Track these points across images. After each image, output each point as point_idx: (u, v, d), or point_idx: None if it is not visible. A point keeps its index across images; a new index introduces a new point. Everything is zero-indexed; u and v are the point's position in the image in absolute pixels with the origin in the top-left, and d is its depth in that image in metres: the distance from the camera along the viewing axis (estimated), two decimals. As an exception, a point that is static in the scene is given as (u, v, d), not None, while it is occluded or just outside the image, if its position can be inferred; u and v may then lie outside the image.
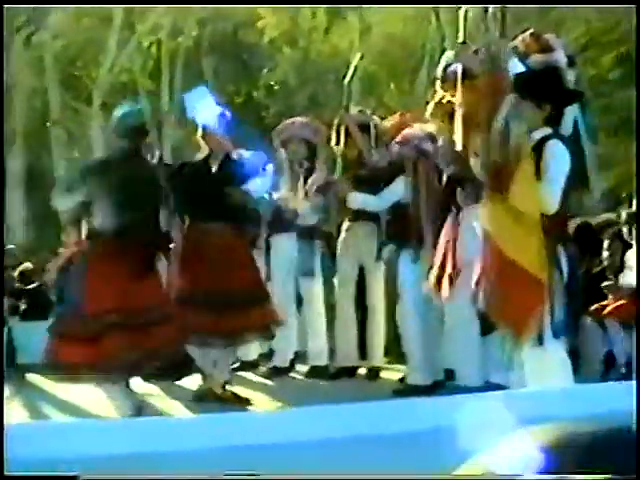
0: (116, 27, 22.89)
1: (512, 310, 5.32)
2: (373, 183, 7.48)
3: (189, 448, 3.78)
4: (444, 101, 6.53)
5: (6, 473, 4.04)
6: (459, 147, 6.14)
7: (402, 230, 7.10)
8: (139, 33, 23.80)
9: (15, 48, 22.48)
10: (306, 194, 7.98)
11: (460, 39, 6.27)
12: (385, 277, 7.70)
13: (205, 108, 7.05)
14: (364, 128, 7.82)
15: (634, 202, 9.12)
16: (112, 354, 6.11)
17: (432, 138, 7.01)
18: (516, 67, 5.58)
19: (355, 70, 7.92)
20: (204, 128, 7.06)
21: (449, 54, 6.81)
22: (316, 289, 8.19)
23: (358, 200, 7.57)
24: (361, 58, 8.07)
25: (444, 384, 6.85)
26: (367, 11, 23.40)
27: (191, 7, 24.04)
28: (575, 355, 5.90)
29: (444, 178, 6.70)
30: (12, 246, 13.69)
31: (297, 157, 8.16)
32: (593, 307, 7.63)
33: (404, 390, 6.88)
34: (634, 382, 4.89)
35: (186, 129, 20.16)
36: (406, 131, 7.23)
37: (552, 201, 5.31)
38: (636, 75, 16.48)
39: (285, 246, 8.17)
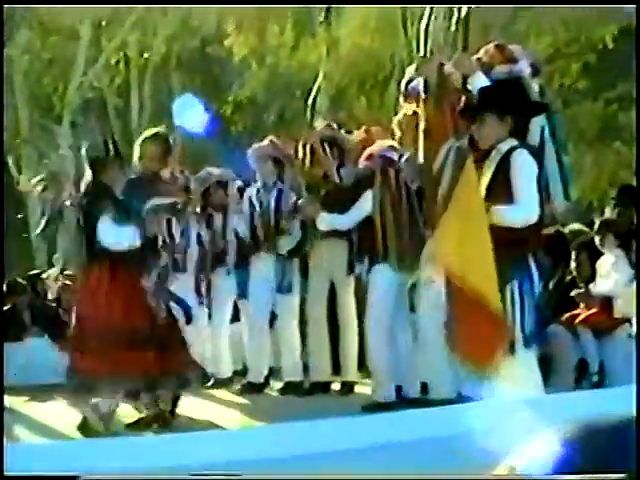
0: (84, 44, 22.81)
1: (472, 348, 5.34)
2: (341, 201, 7.48)
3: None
4: (409, 113, 6.57)
5: (6, 473, 4.05)
6: (420, 160, 6.18)
7: (372, 244, 7.12)
8: (107, 50, 23.74)
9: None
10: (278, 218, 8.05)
11: (421, 52, 6.32)
12: (356, 292, 7.70)
13: (193, 115, 7.09)
14: (331, 143, 7.84)
15: (606, 210, 9.17)
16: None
17: (396, 149, 7.07)
18: (480, 80, 5.60)
19: (318, 90, 7.94)
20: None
21: (412, 68, 6.85)
22: (291, 305, 8.21)
23: (326, 220, 7.57)
24: (324, 77, 8.08)
25: (416, 398, 6.83)
26: (335, 24, 23.41)
27: (158, 23, 24.05)
28: (546, 363, 5.93)
29: (412, 192, 6.75)
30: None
31: (268, 177, 8.22)
32: (565, 315, 7.67)
33: (373, 405, 6.87)
34: (634, 385, 4.93)
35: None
36: (371, 148, 7.27)
37: (530, 212, 5.35)
38: (636, 75, 16.55)
39: (264, 264, 8.18)
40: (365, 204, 7.23)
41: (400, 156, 7.02)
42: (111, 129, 22.60)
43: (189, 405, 7.33)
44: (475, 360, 5.35)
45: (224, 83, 25.66)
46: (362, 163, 7.38)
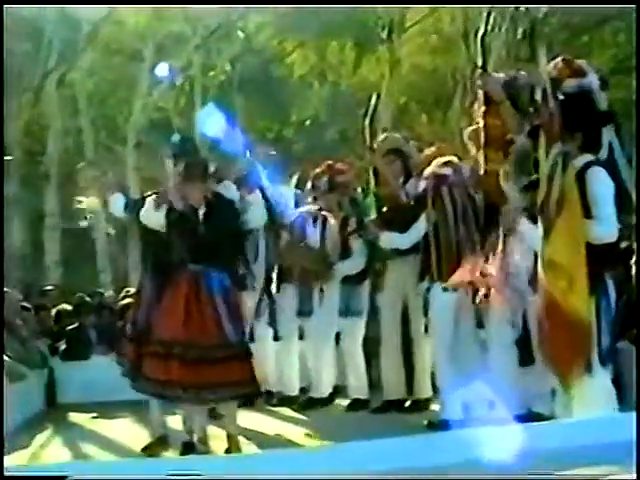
0: (147, 65, 23.03)
1: (558, 355, 5.28)
2: (402, 220, 7.47)
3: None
4: (480, 126, 6.53)
5: (6, 474, 4.09)
6: (481, 171, 6.14)
7: (429, 263, 7.11)
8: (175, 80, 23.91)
9: (48, 89, 22.67)
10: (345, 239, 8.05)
11: (479, 65, 6.29)
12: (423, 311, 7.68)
13: (215, 124, 7.17)
14: (397, 156, 7.84)
15: None
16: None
17: (452, 164, 7.04)
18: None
19: (375, 110, 7.93)
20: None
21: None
22: (358, 325, 8.26)
23: (388, 239, 7.58)
24: (378, 97, 8.07)
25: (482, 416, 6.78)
26: (396, 43, 23.42)
27: (221, 44, 24.24)
28: (617, 382, 5.83)
29: (477, 204, 6.71)
30: (50, 287, 13.74)
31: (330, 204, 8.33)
32: (634, 332, 7.53)
33: (439, 423, 6.87)
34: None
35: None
36: (428, 168, 7.25)
37: (611, 230, 5.28)
38: (636, 75, 16.31)
39: (333, 290, 8.25)
40: (421, 224, 7.23)
41: (455, 171, 7.00)
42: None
43: (255, 421, 7.35)
44: (562, 372, 5.28)
45: (286, 102, 25.77)
46: (421, 183, 7.38)
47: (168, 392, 6.28)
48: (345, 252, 8.22)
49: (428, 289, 7.15)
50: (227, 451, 6.34)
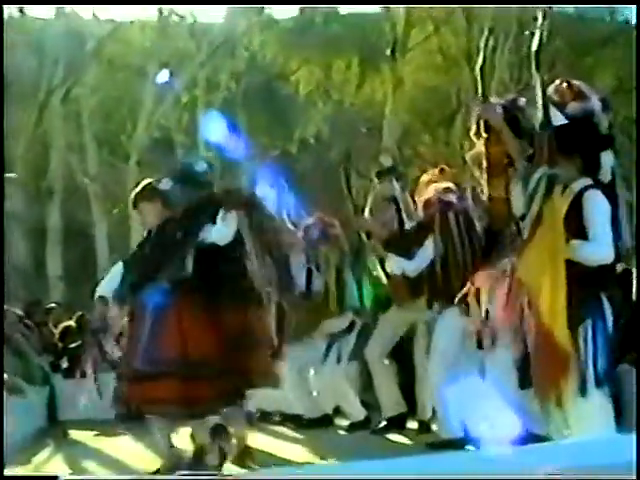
0: (151, 82, 23.10)
1: (540, 376, 5.32)
2: (405, 247, 7.45)
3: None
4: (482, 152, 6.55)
5: (6, 473, 4.12)
6: (484, 197, 6.16)
7: (437, 286, 7.13)
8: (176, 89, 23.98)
9: (52, 104, 22.76)
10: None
11: (480, 93, 6.30)
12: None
13: (217, 131, 7.23)
14: (393, 202, 7.92)
15: None
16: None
17: (453, 191, 7.08)
18: (557, 118, 5.56)
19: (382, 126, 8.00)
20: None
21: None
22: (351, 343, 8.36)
23: (395, 264, 7.53)
24: (390, 114, 8.18)
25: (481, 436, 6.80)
26: (399, 62, 23.51)
27: (225, 60, 24.32)
28: (615, 403, 5.85)
29: (478, 230, 6.74)
30: (53, 304, 13.75)
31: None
32: (634, 355, 7.55)
33: (438, 443, 6.91)
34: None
35: (225, 180, 20.35)
36: (427, 194, 7.27)
37: (607, 252, 5.30)
38: (636, 76, 16.34)
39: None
40: (428, 251, 7.21)
41: (459, 198, 7.04)
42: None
43: (260, 441, 7.38)
44: (543, 396, 5.32)
45: (290, 120, 25.84)
46: (421, 211, 7.40)
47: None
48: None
49: (439, 313, 7.14)
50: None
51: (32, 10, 22.50)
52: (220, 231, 6.31)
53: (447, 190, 7.17)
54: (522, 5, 18.96)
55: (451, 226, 7.06)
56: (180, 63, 23.88)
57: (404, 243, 7.48)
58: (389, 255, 7.58)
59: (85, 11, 22.88)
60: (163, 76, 21.74)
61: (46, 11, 22.46)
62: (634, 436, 4.05)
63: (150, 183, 6.57)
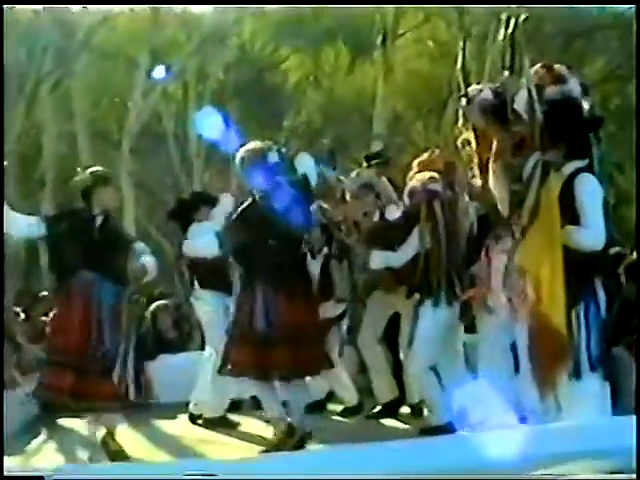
0: (142, 71, 23.02)
1: (537, 360, 5.32)
2: (390, 239, 7.39)
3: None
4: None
5: (6, 474, 4.10)
6: (478, 184, 6.15)
7: (422, 275, 7.07)
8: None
9: (42, 94, 22.68)
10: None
11: (462, 92, 6.30)
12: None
13: (212, 126, 7.24)
14: (369, 188, 7.93)
15: None
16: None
17: (437, 180, 7.06)
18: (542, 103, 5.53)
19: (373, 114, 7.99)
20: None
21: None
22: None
23: (379, 259, 7.43)
24: (380, 102, 8.18)
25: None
26: (391, 49, 23.42)
27: (216, 51, 24.23)
28: (611, 387, 5.84)
29: (470, 216, 6.71)
30: (45, 293, 13.70)
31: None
32: (628, 338, 7.54)
33: (430, 429, 6.92)
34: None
35: (214, 170, 20.28)
36: (411, 184, 7.23)
37: (599, 237, 5.29)
38: (636, 76, 16.35)
39: None
40: (414, 240, 7.14)
41: (444, 187, 7.01)
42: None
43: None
44: (541, 380, 5.32)
45: (280, 109, 25.78)
46: (406, 201, 7.35)
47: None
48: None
49: (418, 303, 7.11)
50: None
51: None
52: None
53: (432, 179, 7.11)
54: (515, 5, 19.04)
55: (437, 215, 7.01)
56: (170, 52, 23.80)
57: (389, 237, 7.40)
58: (373, 251, 7.49)
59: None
60: (159, 72, 21.72)
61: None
62: (634, 419, 4.04)
63: None
